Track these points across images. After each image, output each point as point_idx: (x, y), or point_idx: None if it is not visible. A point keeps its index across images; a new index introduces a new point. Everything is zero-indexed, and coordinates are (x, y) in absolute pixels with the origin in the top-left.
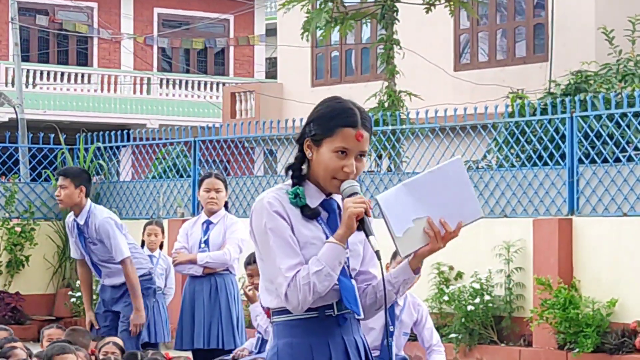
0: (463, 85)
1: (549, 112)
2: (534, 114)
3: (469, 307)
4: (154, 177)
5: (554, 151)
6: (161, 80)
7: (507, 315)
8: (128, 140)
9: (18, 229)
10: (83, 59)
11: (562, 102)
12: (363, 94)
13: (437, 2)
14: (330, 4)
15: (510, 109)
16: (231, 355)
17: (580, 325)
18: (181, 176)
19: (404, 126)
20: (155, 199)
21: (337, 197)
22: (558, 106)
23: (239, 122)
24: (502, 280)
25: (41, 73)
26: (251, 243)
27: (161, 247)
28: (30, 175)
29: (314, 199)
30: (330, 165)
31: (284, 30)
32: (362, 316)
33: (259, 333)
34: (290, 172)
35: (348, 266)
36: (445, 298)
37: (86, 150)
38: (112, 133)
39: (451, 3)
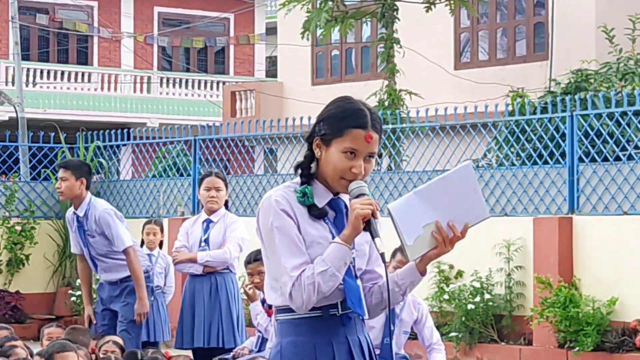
0: (463, 84)
1: (549, 110)
2: (534, 113)
3: (469, 306)
4: (154, 176)
5: (554, 150)
6: (161, 79)
7: (507, 313)
8: (128, 139)
9: (18, 228)
10: (83, 58)
11: (563, 101)
12: (363, 93)
13: (437, 1)
14: (330, 3)
15: (510, 108)
16: (231, 354)
17: (581, 323)
18: (181, 175)
19: (404, 125)
20: (155, 198)
21: (345, 197)
22: (558, 105)
23: (239, 120)
24: (503, 279)
25: (41, 72)
26: (251, 242)
27: (161, 246)
28: (31, 174)
29: (321, 198)
30: (339, 165)
31: (284, 29)
32: (366, 317)
33: (259, 332)
34: (299, 171)
35: (354, 266)
36: (446, 297)
37: (86, 149)
38: (112, 132)
39: (451, 2)
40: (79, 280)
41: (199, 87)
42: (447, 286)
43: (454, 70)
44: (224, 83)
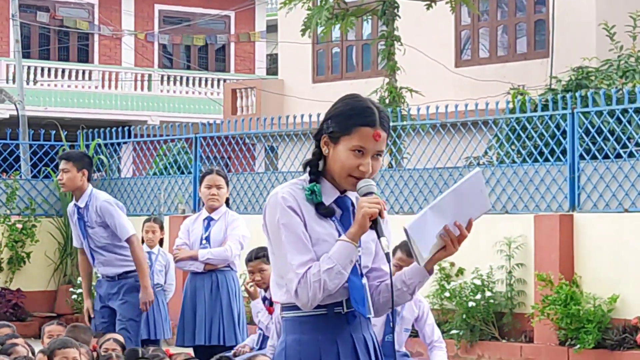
0: (464, 82)
1: (550, 108)
2: (535, 110)
3: (470, 304)
4: (154, 173)
5: (555, 147)
6: (162, 76)
7: (508, 311)
8: (129, 136)
9: (19, 226)
10: (84, 56)
11: (563, 98)
12: (364, 91)
13: None
14: (331, 0)
15: (511, 105)
16: (232, 351)
17: (582, 321)
18: (182, 173)
19: (404, 122)
20: (156, 196)
21: (351, 195)
22: (559, 102)
23: (240, 118)
24: (503, 277)
25: (42, 70)
26: (252, 239)
27: (161, 243)
28: (31, 172)
29: (328, 195)
30: (347, 163)
31: (285, 26)
32: (372, 315)
33: (260, 329)
34: (307, 168)
35: (359, 264)
36: (447, 294)
37: (87, 146)
38: (113, 129)
39: None
40: (80, 278)
41: (199, 85)
42: (448, 284)
43: (454, 67)
44: (224, 81)
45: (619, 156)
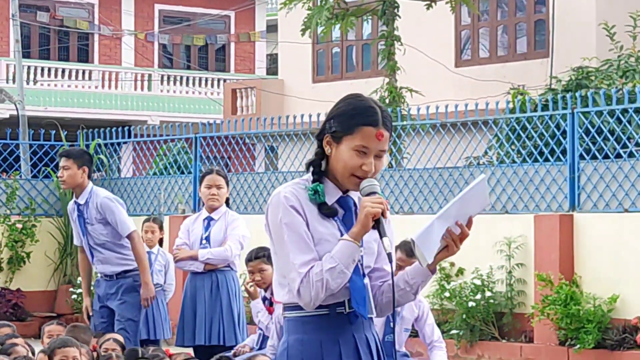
0: (464, 82)
1: (550, 108)
2: (535, 110)
3: (470, 303)
4: (154, 173)
5: (555, 147)
6: (162, 76)
7: (508, 311)
8: (129, 136)
9: (19, 226)
10: (84, 56)
11: (563, 98)
12: (364, 90)
13: None
14: (331, 0)
15: (511, 105)
16: (232, 351)
17: (582, 321)
18: (182, 172)
19: (405, 122)
20: (156, 196)
21: (354, 195)
22: (559, 102)
23: (240, 118)
24: (503, 277)
25: (42, 69)
26: (252, 239)
27: (161, 243)
28: (31, 172)
29: (330, 195)
30: (350, 163)
31: (285, 26)
32: (374, 315)
33: (260, 329)
34: (310, 168)
35: (362, 264)
36: (446, 294)
37: (87, 146)
38: (113, 129)
39: None
40: (79, 278)
41: (199, 85)
42: (448, 284)
43: (454, 67)
44: (224, 81)
45: (619, 156)
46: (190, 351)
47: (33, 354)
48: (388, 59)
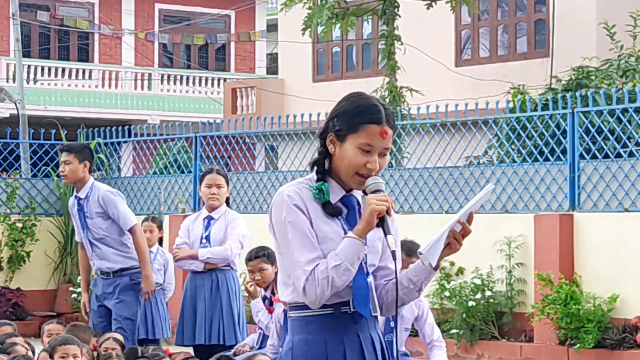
0: (464, 81)
1: (550, 107)
2: (535, 110)
3: (470, 303)
4: (155, 172)
5: (555, 147)
6: (162, 75)
7: (508, 310)
8: (129, 136)
9: (19, 225)
10: (84, 55)
11: (563, 98)
12: (364, 90)
13: None
14: (331, 0)
15: (511, 105)
16: (232, 351)
17: (582, 320)
18: (182, 172)
19: (405, 122)
20: (156, 195)
21: (357, 194)
22: (559, 102)
23: (240, 117)
24: (503, 276)
25: (42, 69)
26: (252, 239)
27: (160, 242)
28: (32, 171)
29: (334, 194)
30: (354, 161)
31: (285, 26)
32: (378, 313)
33: (260, 329)
34: (314, 167)
35: (365, 262)
36: (447, 294)
37: None
38: (113, 129)
39: None
40: (79, 278)
41: (199, 84)
42: (448, 283)
43: (454, 67)
44: (224, 80)
45: (619, 156)
46: (190, 350)
47: (33, 353)
48: (388, 59)
